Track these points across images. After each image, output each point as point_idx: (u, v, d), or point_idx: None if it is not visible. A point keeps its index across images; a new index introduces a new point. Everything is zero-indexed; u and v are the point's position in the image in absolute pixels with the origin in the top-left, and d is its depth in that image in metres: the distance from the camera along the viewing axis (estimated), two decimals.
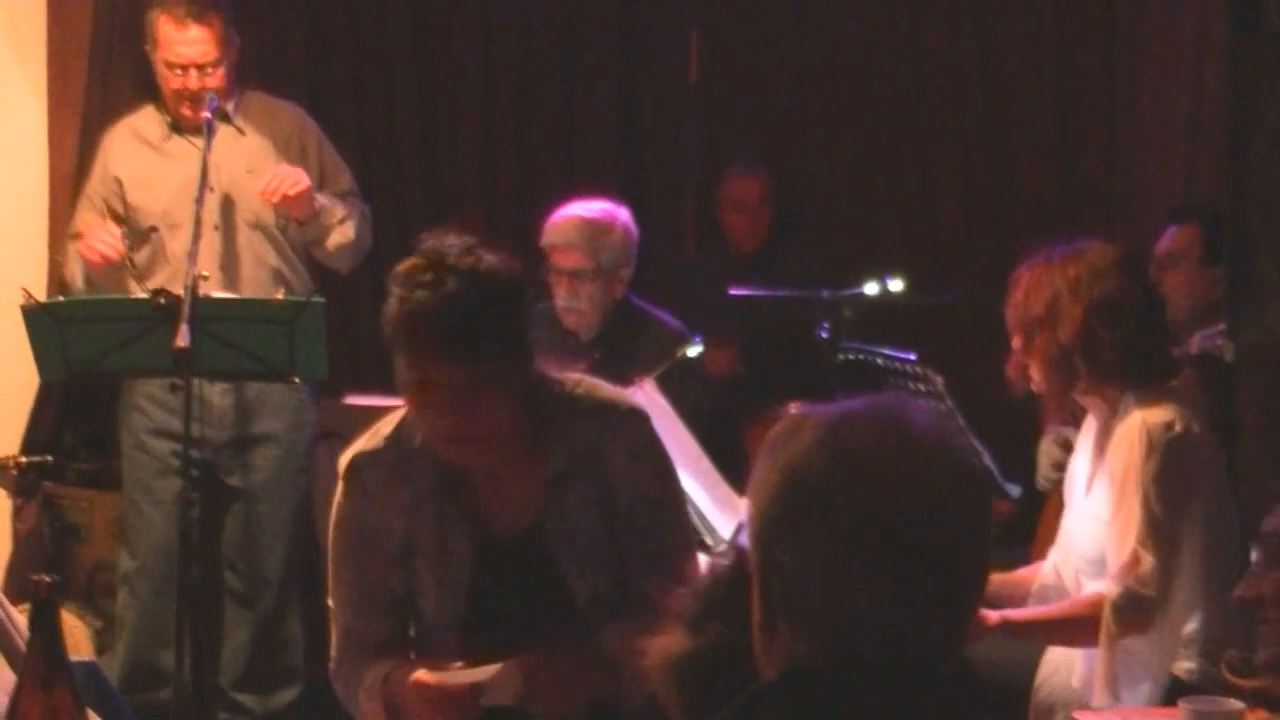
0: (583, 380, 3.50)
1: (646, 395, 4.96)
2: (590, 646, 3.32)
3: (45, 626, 2.34)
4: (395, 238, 5.83)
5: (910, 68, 7.49)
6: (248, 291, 5.43)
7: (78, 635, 5.72)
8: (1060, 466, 4.91)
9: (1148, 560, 3.79)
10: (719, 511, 4.91)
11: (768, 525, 1.96)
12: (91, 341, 4.87)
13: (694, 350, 5.40)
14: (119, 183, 5.55)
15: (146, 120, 5.64)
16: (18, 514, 5.99)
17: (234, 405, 5.51)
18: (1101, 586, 3.88)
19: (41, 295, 5.29)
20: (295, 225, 5.57)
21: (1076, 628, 3.91)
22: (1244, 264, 4.77)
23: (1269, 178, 4.64)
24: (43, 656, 2.33)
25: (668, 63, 7.63)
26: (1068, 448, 5.10)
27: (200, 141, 5.34)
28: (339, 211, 5.60)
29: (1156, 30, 6.78)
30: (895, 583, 1.89)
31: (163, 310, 4.76)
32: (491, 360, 3.22)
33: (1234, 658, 3.34)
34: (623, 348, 5.48)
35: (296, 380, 5.03)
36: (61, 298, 5.41)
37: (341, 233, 5.60)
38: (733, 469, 5.26)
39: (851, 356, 5.84)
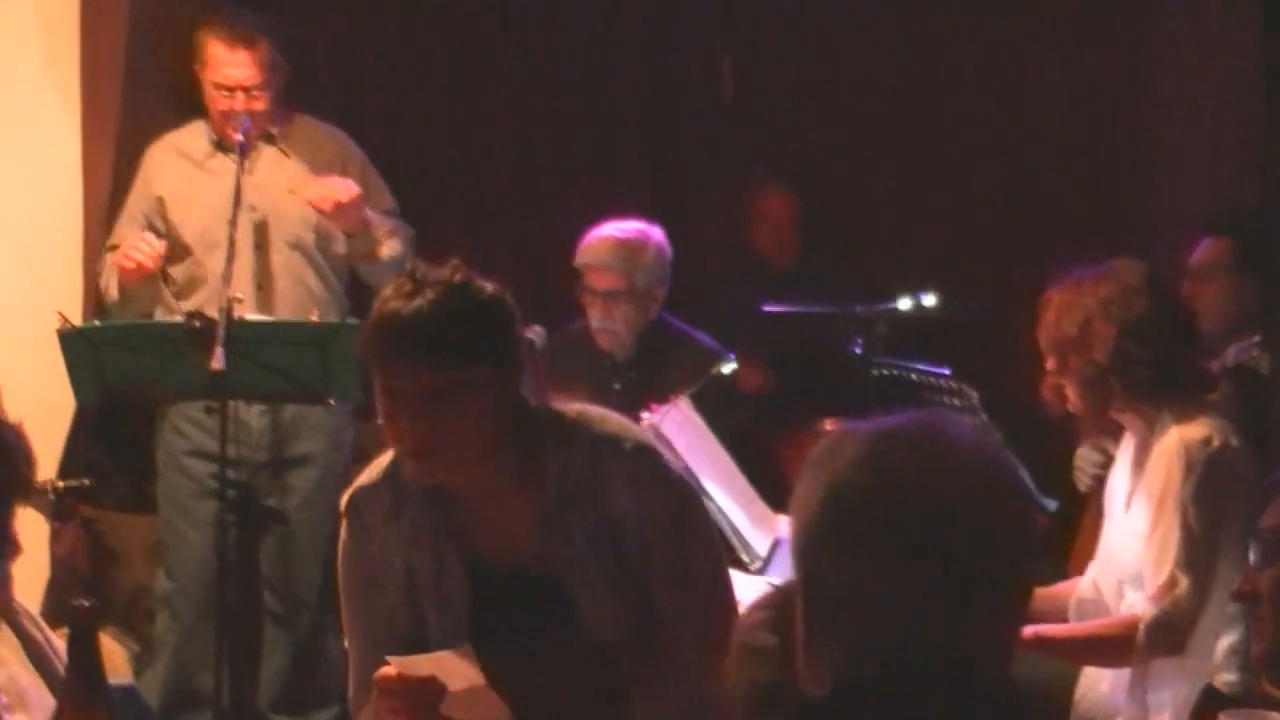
0: (586, 411, 3.40)
1: (681, 413, 4.97)
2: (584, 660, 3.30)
3: (84, 651, 2.35)
4: (429, 260, 5.85)
5: (941, 84, 7.48)
6: (284, 311, 5.43)
7: (116, 659, 5.73)
8: (1101, 465, 4.91)
9: (1184, 583, 3.79)
10: (754, 529, 4.91)
11: (811, 541, 1.96)
12: (127, 365, 4.89)
13: (728, 368, 5.40)
14: (161, 201, 5.57)
15: (193, 136, 5.64)
16: (55, 538, 6.01)
17: (271, 426, 5.51)
18: (1139, 605, 3.87)
19: (76, 319, 5.31)
20: (345, 240, 5.57)
21: (1109, 647, 3.91)
22: (1277, 274, 4.77)
23: None
24: (82, 680, 2.34)
25: (701, 82, 7.63)
26: (1106, 455, 5.10)
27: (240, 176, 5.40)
28: (386, 225, 5.61)
29: (1188, 43, 6.77)
30: (940, 597, 1.89)
31: (198, 333, 4.78)
32: (455, 368, 3.16)
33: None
34: (657, 367, 5.49)
35: (332, 402, 5.04)
36: (97, 322, 5.43)
37: (390, 246, 5.60)
38: (768, 486, 5.26)
39: (885, 372, 5.84)
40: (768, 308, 6.71)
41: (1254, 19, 6.39)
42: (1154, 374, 3.93)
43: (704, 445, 5.03)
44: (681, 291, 5.98)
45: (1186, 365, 3.99)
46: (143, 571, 6.05)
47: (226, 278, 4.93)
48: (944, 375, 5.55)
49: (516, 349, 3.30)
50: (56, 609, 5.63)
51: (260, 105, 5.50)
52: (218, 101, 5.51)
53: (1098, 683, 4.07)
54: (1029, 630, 3.85)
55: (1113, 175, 7.29)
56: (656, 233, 5.56)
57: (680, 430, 4.94)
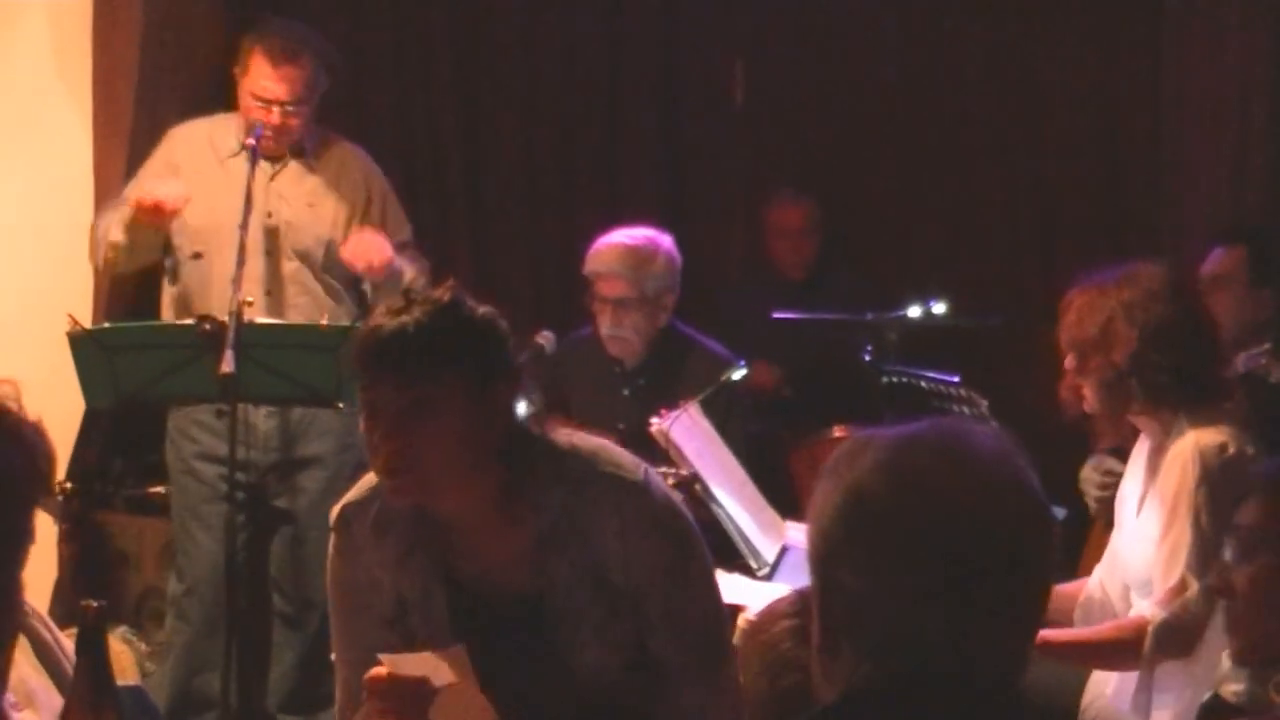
0: (580, 445, 3.35)
1: (690, 418, 4.98)
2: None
3: (93, 651, 2.35)
4: (438, 265, 5.86)
5: (951, 91, 7.48)
6: (292, 317, 5.44)
7: (124, 660, 5.75)
8: (1107, 487, 4.91)
9: (1194, 587, 3.79)
10: (763, 535, 4.91)
11: (830, 546, 1.96)
12: (137, 368, 4.89)
13: (739, 374, 5.41)
14: (174, 167, 5.54)
15: (225, 131, 5.60)
16: (64, 539, 6.02)
17: (279, 429, 5.52)
18: (1148, 609, 3.87)
19: (87, 322, 5.32)
20: (373, 284, 5.58)
21: (1116, 651, 3.91)
22: None
23: None
24: (90, 681, 2.34)
25: (712, 89, 7.64)
26: (1109, 474, 5.10)
27: (267, 167, 5.43)
28: (409, 272, 5.61)
29: (1202, 53, 6.76)
30: (957, 604, 1.90)
31: (208, 336, 4.78)
32: (429, 382, 3.14)
33: None
34: (668, 374, 5.49)
35: (341, 406, 5.05)
36: (107, 324, 5.43)
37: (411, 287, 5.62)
38: (777, 493, 5.26)
39: (895, 379, 5.83)
40: (777, 315, 6.71)
41: (1268, 26, 6.39)
42: (1173, 379, 3.93)
43: (713, 451, 5.03)
44: (693, 298, 5.98)
45: (1206, 372, 4.00)
46: (152, 573, 6.07)
47: (236, 281, 4.94)
48: (953, 383, 5.55)
49: (503, 370, 3.26)
50: (65, 609, 5.66)
51: (295, 121, 5.49)
52: (252, 111, 5.47)
53: (1105, 690, 4.07)
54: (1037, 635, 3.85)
55: (1124, 184, 7.29)
56: (666, 240, 5.57)
57: (689, 436, 4.94)
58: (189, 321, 5.04)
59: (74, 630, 2.42)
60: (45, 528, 5.56)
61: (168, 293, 5.62)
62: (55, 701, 2.60)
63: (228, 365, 4.68)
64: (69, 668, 2.66)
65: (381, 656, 3.23)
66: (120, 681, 2.46)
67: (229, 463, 4.96)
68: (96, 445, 6.14)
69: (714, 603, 3.41)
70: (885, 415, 5.59)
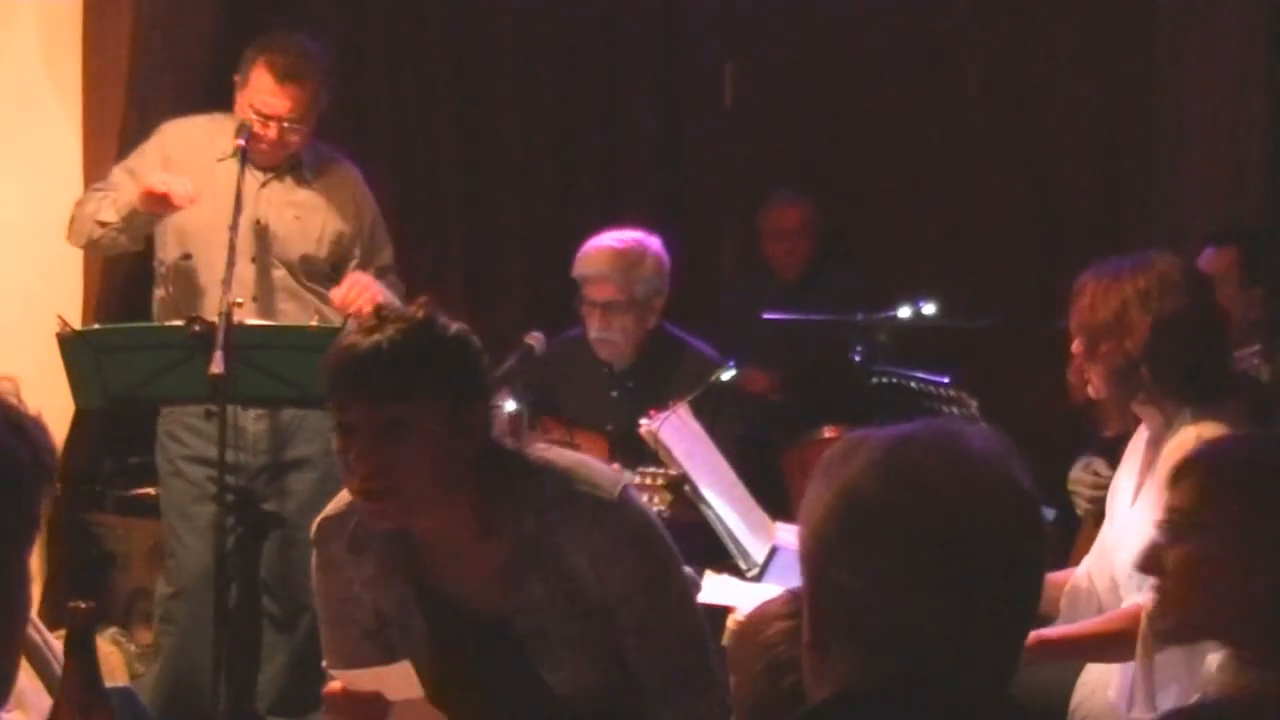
0: (554, 462, 3.33)
1: (680, 419, 4.97)
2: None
3: (83, 653, 2.35)
4: (435, 266, 5.86)
5: (943, 92, 7.49)
6: (281, 321, 5.43)
7: (113, 661, 5.75)
8: (1100, 487, 4.91)
9: None
10: (752, 536, 4.91)
11: (823, 546, 1.97)
12: (127, 369, 4.89)
13: (728, 375, 5.41)
14: (168, 161, 5.51)
15: (222, 133, 5.55)
16: (53, 540, 6.02)
17: (269, 430, 5.52)
18: (1142, 599, 3.87)
19: (77, 323, 5.31)
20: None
21: (1114, 642, 3.89)
22: None
23: None
24: (80, 683, 2.34)
25: (704, 90, 7.65)
26: (1099, 476, 5.11)
27: (259, 175, 5.43)
28: (389, 297, 5.60)
29: (1197, 54, 6.77)
30: (949, 604, 1.91)
31: (198, 338, 4.78)
32: (404, 400, 3.13)
33: None
34: (657, 377, 5.49)
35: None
36: (97, 325, 5.42)
37: None
38: (767, 494, 5.26)
39: (885, 380, 5.84)
40: (768, 315, 6.72)
41: (1263, 26, 6.40)
42: (1183, 371, 3.93)
43: (702, 452, 5.03)
44: (686, 298, 5.99)
45: (1215, 367, 4.00)
46: (142, 574, 6.07)
47: (226, 282, 4.94)
48: (943, 383, 5.56)
49: (478, 388, 3.25)
50: (54, 611, 5.65)
51: (294, 138, 5.47)
52: (251, 123, 5.45)
53: (1098, 690, 4.06)
54: (1031, 635, 3.85)
55: (1120, 185, 7.29)
56: (654, 242, 5.57)
57: (679, 437, 4.94)
58: (179, 323, 5.03)
59: (63, 631, 2.41)
60: None
61: (157, 294, 5.61)
62: (44, 703, 2.60)
63: (217, 366, 4.67)
64: (58, 669, 2.66)
65: (334, 673, 3.28)
66: (110, 683, 2.46)
67: (218, 465, 4.96)
68: (86, 446, 6.14)
69: (691, 622, 3.39)
70: (875, 416, 5.59)
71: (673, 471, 4.92)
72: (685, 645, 3.35)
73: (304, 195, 5.61)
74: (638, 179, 7.59)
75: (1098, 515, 4.59)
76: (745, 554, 4.84)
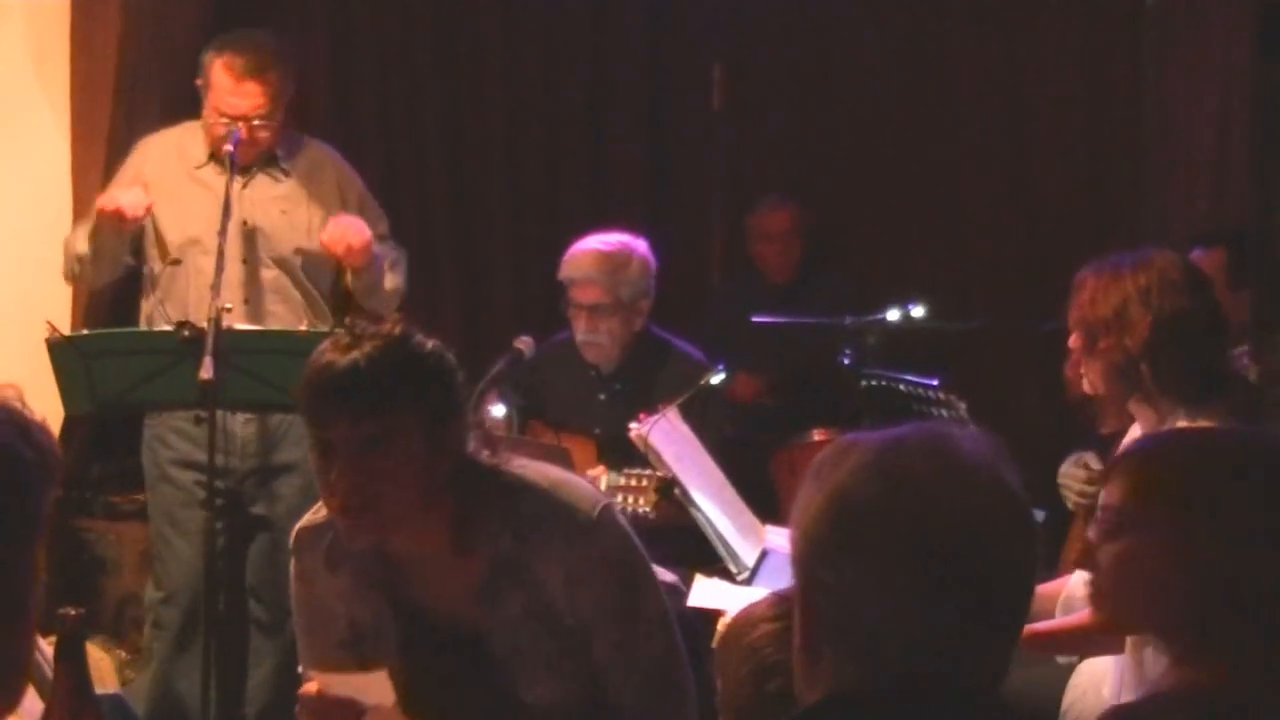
0: (531, 478, 3.30)
1: (669, 423, 4.98)
2: None
3: (73, 659, 2.35)
4: (423, 270, 5.86)
5: (933, 95, 7.50)
6: (271, 325, 5.43)
7: (103, 667, 5.73)
8: (1094, 481, 4.91)
9: None
10: (742, 539, 4.91)
11: (814, 548, 1.97)
12: (116, 374, 4.88)
13: (716, 378, 5.41)
14: (147, 187, 5.52)
15: (191, 140, 5.57)
16: (43, 545, 6.00)
17: (257, 435, 5.50)
18: None
19: (66, 329, 5.30)
20: (351, 275, 5.56)
21: (1100, 635, 3.89)
22: (1270, 287, 4.79)
23: None
24: (70, 688, 2.34)
25: (692, 93, 7.65)
26: (1089, 470, 5.11)
27: (239, 177, 5.39)
28: (390, 256, 5.61)
29: (1183, 57, 6.79)
30: (941, 607, 1.91)
31: (187, 343, 4.78)
32: (384, 414, 3.11)
33: None
34: (644, 379, 5.49)
35: None
36: (86, 331, 5.41)
37: (392, 278, 5.61)
38: (757, 497, 5.26)
39: (874, 382, 5.84)
40: (757, 319, 6.72)
41: (1247, 30, 6.41)
42: (1182, 370, 3.94)
43: (692, 455, 5.03)
44: (674, 301, 5.99)
45: (1213, 366, 4.01)
46: (132, 580, 6.05)
47: (216, 287, 4.93)
48: (932, 386, 5.56)
49: (455, 405, 3.23)
50: (43, 616, 5.63)
51: (264, 134, 5.45)
52: (216, 127, 5.45)
53: (1090, 691, 4.07)
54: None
55: (1106, 188, 7.32)
56: (640, 245, 5.57)
57: (668, 440, 4.94)
58: (168, 328, 5.03)
59: (53, 638, 2.41)
60: None
61: (146, 300, 5.61)
62: (35, 708, 2.60)
63: (207, 371, 4.67)
64: (49, 674, 2.66)
65: (312, 674, 3.28)
66: (100, 689, 2.46)
67: (207, 469, 4.95)
68: (75, 452, 6.13)
69: (667, 644, 3.36)
70: (865, 419, 5.59)
71: (659, 473, 4.92)
72: (660, 668, 3.33)
73: (286, 188, 5.60)
74: (626, 181, 7.59)
75: (1088, 510, 4.59)
76: (735, 557, 4.84)
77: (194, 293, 5.41)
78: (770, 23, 7.62)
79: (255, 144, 5.46)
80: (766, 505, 5.25)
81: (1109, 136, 7.29)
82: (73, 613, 2.35)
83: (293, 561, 3.45)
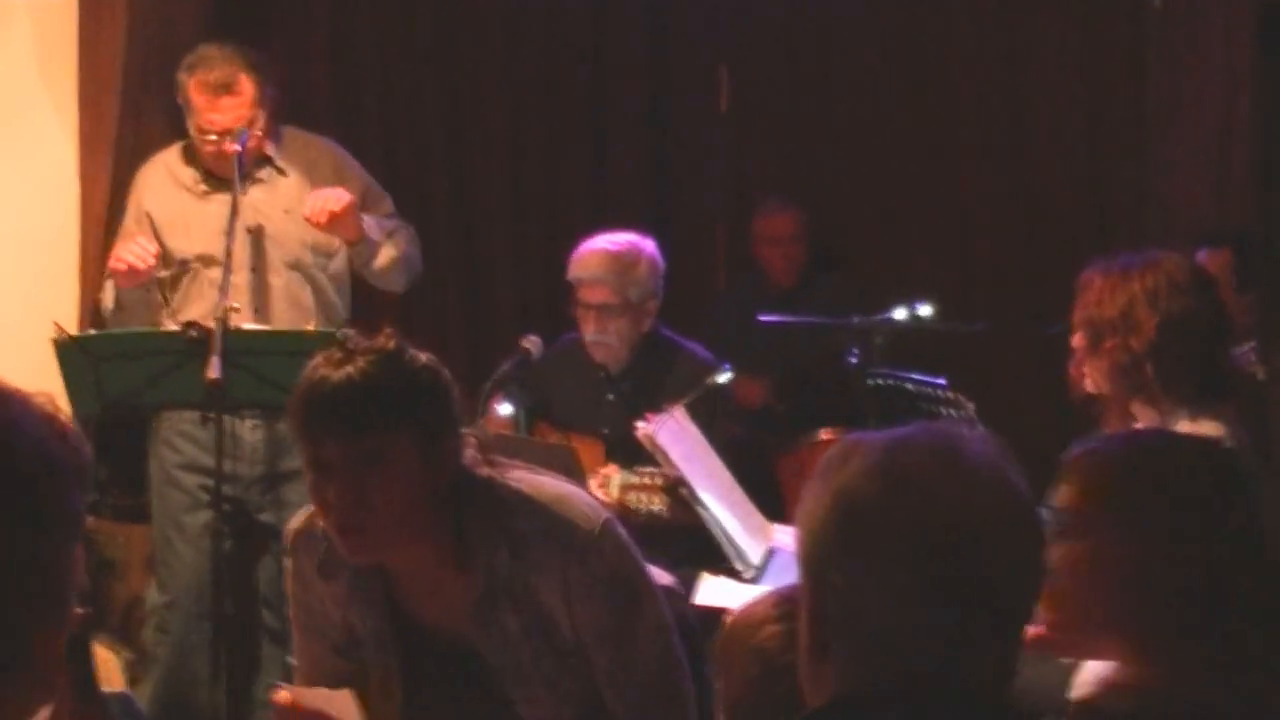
0: (534, 498, 3.27)
1: (677, 422, 4.98)
2: None
3: (79, 659, 2.35)
4: (425, 270, 5.85)
5: (937, 96, 7.50)
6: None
7: (109, 667, 5.73)
8: None
9: None
10: (750, 538, 4.92)
11: (821, 549, 1.97)
12: (123, 375, 4.88)
13: (723, 378, 5.40)
14: (150, 218, 5.54)
15: (183, 159, 5.60)
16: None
17: (265, 441, 5.49)
18: None
19: (73, 330, 5.30)
20: (346, 250, 5.56)
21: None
22: (1275, 289, 4.77)
23: None
24: (76, 689, 2.34)
25: (697, 95, 7.65)
26: None
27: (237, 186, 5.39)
28: (387, 226, 5.61)
29: (1186, 57, 6.78)
30: (948, 606, 1.91)
31: (195, 343, 4.78)
32: (381, 430, 3.09)
33: None
34: (652, 379, 5.49)
35: None
36: (93, 331, 5.42)
37: (391, 247, 5.60)
38: (764, 496, 5.26)
39: (881, 382, 5.83)
40: (764, 318, 6.71)
41: (1249, 29, 6.40)
42: (1186, 372, 3.94)
43: (699, 455, 5.03)
44: (679, 303, 5.98)
45: (1218, 368, 4.01)
46: (139, 581, 6.05)
47: (223, 288, 4.93)
48: (940, 386, 5.55)
49: (450, 420, 3.20)
50: None
51: (251, 144, 5.44)
52: (204, 145, 5.46)
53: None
54: (1029, 630, 3.85)
55: (1110, 189, 7.31)
56: (648, 245, 5.56)
57: (676, 440, 4.94)
58: (175, 328, 5.03)
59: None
60: None
61: (157, 313, 5.60)
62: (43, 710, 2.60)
63: (214, 372, 4.67)
64: None
65: (284, 688, 3.29)
66: (106, 689, 2.46)
67: (214, 472, 4.95)
68: None
69: (666, 657, 3.34)
70: (871, 419, 5.58)
71: (669, 472, 4.92)
72: (656, 682, 3.32)
73: (286, 188, 5.59)
74: (629, 182, 7.59)
75: None
76: (742, 556, 4.84)
77: (203, 294, 5.42)
78: (775, 25, 7.62)
79: (246, 152, 5.46)
80: (773, 505, 5.25)
81: (1111, 136, 7.29)
82: (79, 613, 2.35)
83: (288, 560, 3.44)
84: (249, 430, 5.45)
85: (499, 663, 3.26)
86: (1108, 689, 2.47)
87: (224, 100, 5.41)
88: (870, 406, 5.82)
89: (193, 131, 5.50)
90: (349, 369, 3.10)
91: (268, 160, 5.58)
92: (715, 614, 4.11)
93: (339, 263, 5.61)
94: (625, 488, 5.04)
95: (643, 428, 4.91)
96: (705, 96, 7.65)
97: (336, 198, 5.38)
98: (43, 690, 2.05)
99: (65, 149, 6.07)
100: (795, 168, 7.66)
